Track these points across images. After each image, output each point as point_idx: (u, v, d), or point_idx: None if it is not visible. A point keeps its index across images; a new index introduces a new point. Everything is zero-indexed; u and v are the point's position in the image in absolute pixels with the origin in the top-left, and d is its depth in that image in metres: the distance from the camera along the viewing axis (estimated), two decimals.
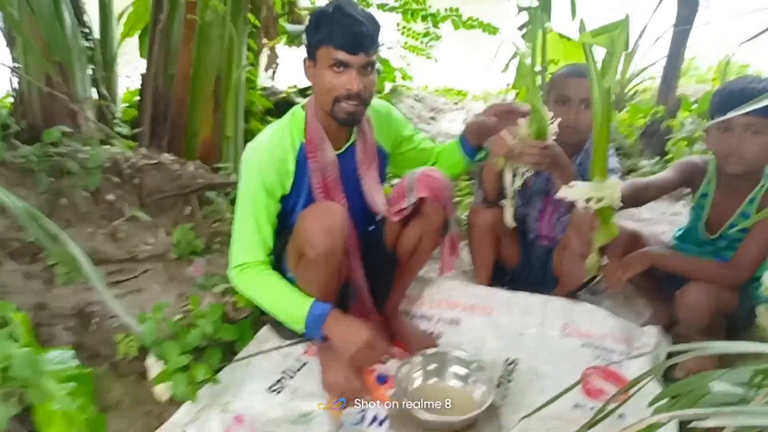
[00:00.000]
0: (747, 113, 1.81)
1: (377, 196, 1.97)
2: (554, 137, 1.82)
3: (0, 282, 2.18)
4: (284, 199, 1.92)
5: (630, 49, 4.99)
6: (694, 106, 4.38)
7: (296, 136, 1.91)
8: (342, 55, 1.74)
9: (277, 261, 1.91)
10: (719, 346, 1.05)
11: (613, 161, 2.23)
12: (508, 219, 1.91)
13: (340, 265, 1.87)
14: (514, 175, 1.92)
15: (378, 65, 1.95)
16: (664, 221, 3.12)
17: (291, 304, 1.81)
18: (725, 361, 1.94)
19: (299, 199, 1.94)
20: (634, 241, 2.19)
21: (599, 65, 1.55)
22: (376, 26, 1.79)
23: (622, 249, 2.17)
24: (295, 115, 1.93)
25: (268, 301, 1.87)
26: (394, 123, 2.12)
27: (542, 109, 1.77)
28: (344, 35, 1.72)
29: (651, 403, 1.17)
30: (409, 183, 1.90)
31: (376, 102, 2.07)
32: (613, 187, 1.62)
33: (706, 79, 6.39)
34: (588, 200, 1.63)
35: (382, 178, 2.09)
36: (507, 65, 2.59)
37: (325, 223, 1.76)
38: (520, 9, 2.88)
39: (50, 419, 1.63)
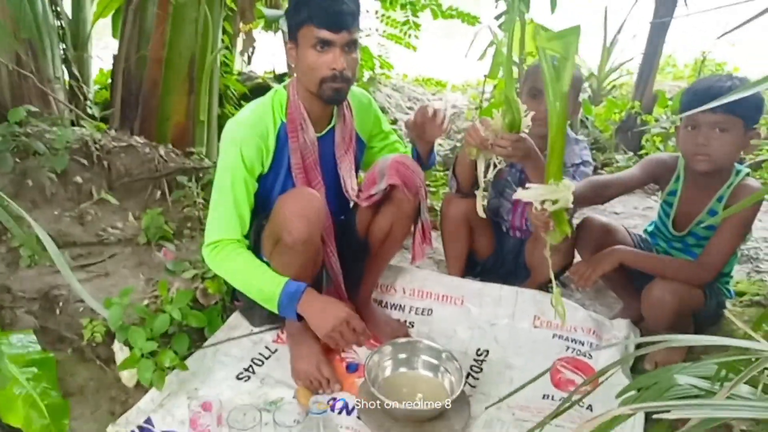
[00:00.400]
0: (714, 111, 1.83)
1: (349, 180, 1.96)
2: (527, 130, 1.81)
3: None
4: (262, 179, 1.90)
5: (608, 43, 5.02)
6: (670, 103, 4.42)
7: (278, 114, 1.89)
8: (325, 34, 1.73)
9: (253, 246, 1.88)
10: (686, 338, 1.05)
11: (586, 154, 2.24)
12: (479, 209, 1.91)
13: (318, 251, 1.86)
14: (487, 166, 1.92)
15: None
16: (636, 215, 3.15)
17: (265, 282, 1.78)
18: (693, 356, 1.97)
19: (277, 179, 1.91)
20: (605, 234, 2.21)
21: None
22: (356, 4, 1.78)
23: (593, 243, 2.18)
24: (277, 94, 1.91)
25: (241, 280, 1.84)
26: (372, 115, 2.11)
27: (516, 101, 1.77)
28: (326, 14, 1.72)
29: (618, 395, 1.18)
30: (380, 170, 1.89)
31: (358, 91, 2.06)
32: (567, 189, 1.64)
33: (683, 75, 6.47)
34: (543, 202, 1.64)
35: (357, 166, 2.07)
36: (483, 53, 2.58)
37: (303, 209, 1.73)
38: None
39: (12, 404, 1.60)
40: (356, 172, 2.04)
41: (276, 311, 1.77)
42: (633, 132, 4.08)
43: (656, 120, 3.99)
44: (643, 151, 3.80)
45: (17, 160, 2.57)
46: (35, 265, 2.22)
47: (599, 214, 2.62)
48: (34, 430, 1.58)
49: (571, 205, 1.66)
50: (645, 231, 2.33)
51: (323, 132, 1.95)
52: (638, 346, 1.97)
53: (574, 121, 4.03)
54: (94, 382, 1.84)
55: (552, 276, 1.73)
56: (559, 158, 1.64)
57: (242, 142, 1.82)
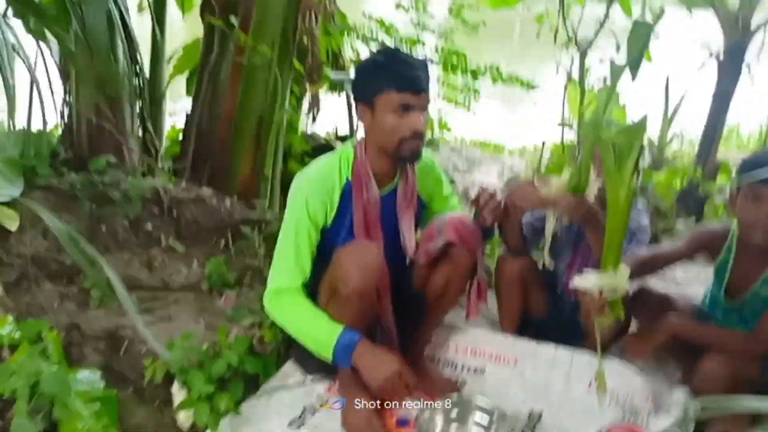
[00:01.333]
0: None
1: (409, 236, 2.01)
2: (593, 197, 1.83)
3: (36, 301, 2.24)
4: (325, 232, 1.96)
5: (670, 112, 5.01)
6: (734, 173, 4.35)
7: (344, 172, 1.96)
8: (407, 98, 1.82)
9: (312, 297, 1.93)
10: (749, 401, 1.03)
11: (644, 220, 2.22)
12: (546, 259, 1.93)
13: (373, 304, 1.89)
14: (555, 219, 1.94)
15: None
16: (697, 283, 3.07)
17: (321, 331, 1.82)
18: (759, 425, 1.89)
19: (339, 233, 1.98)
20: (662, 304, 2.17)
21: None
22: (427, 68, 1.89)
23: (648, 313, 2.14)
24: (344, 152, 1.99)
25: (298, 327, 1.89)
26: (435, 176, 2.15)
27: (588, 167, 1.79)
28: (407, 79, 1.82)
29: None
30: (438, 227, 1.93)
31: (426, 160, 2.10)
32: (624, 277, 1.63)
33: (747, 146, 6.36)
34: (600, 291, 1.64)
35: (417, 224, 2.12)
36: (563, 121, 2.62)
37: (361, 261, 1.78)
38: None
39: None
40: (415, 229, 2.08)
41: (330, 360, 1.80)
42: (694, 199, 4.02)
43: (720, 189, 3.92)
44: (705, 219, 3.74)
45: (94, 206, 2.72)
46: (104, 306, 2.32)
47: (657, 280, 2.57)
48: None
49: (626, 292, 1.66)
50: (702, 302, 2.28)
51: (386, 190, 2.01)
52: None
53: None
54: (152, 423, 1.90)
55: (599, 356, 1.72)
56: (619, 246, 1.64)
57: (308, 195, 1.90)
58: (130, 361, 2.06)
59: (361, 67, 1.95)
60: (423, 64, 1.87)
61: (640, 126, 1.55)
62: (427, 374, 2.14)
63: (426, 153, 2.14)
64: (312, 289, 1.94)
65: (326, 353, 1.80)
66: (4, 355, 1.82)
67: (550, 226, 1.94)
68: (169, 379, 1.97)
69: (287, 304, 1.87)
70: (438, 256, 1.95)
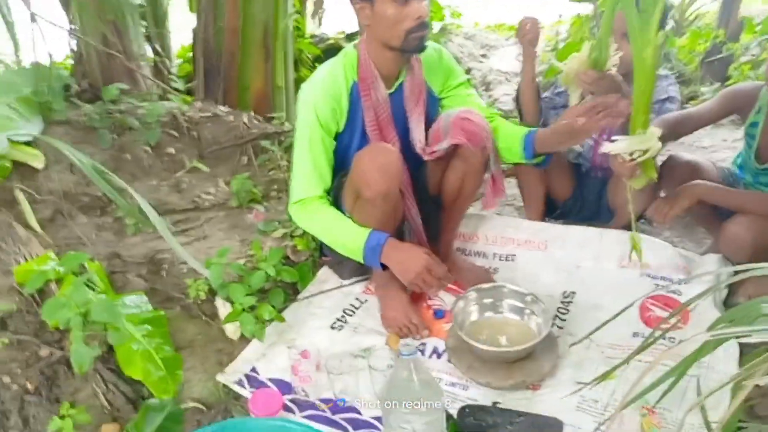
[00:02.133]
0: None
1: (417, 133, 1.98)
2: (614, 68, 1.78)
3: (74, 234, 2.31)
4: (338, 138, 1.96)
5: None
6: (758, 28, 4.17)
7: (349, 75, 1.93)
8: None
9: (335, 202, 1.96)
10: None
11: (672, 90, 2.17)
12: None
13: (397, 204, 1.91)
14: (580, 98, 1.92)
15: None
16: (725, 148, 3.03)
17: (349, 236, 1.85)
18: None
19: (353, 137, 1.97)
20: (691, 171, 2.14)
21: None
22: None
23: (678, 181, 2.13)
24: (348, 54, 1.96)
25: (326, 235, 1.93)
26: (444, 67, 2.08)
27: (606, 39, 1.74)
28: None
29: (710, 328, 1.18)
30: (444, 126, 1.89)
31: (431, 44, 2.02)
32: (655, 137, 1.61)
33: None
34: (631, 153, 1.62)
35: (430, 119, 2.07)
36: None
37: (381, 163, 1.78)
38: None
39: (131, 359, 1.76)
40: (428, 125, 2.05)
41: (362, 262, 1.85)
42: (719, 62, 3.88)
43: (745, 48, 3.77)
44: (730, 82, 3.62)
45: (114, 136, 2.74)
46: (140, 233, 2.39)
47: (686, 149, 2.55)
48: (152, 382, 1.73)
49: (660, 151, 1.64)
50: (733, 163, 2.26)
51: (394, 88, 1.98)
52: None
53: None
54: (201, 336, 1.98)
55: (633, 220, 1.72)
56: (647, 108, 1.61)
57: (316, 103, 1.89)
58: (173, 281, 2.14)
59: None
60: None
61: None
62: (458, 266, 2.19)
63: (430, 43, 2.05)
64: (335, 196, 1.96)
65: (357, 256, 1.84)
66: (52, 289, 1.90)
67: (573, 103, 1.90)
68: (212, 293, 2.04)
69: (312, 214, 1.90)
70: (450, 154, 1.93)
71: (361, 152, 1.83)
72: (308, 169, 1.90)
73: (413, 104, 1.99)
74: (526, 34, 2.12)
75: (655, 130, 1.61)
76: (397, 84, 1.98)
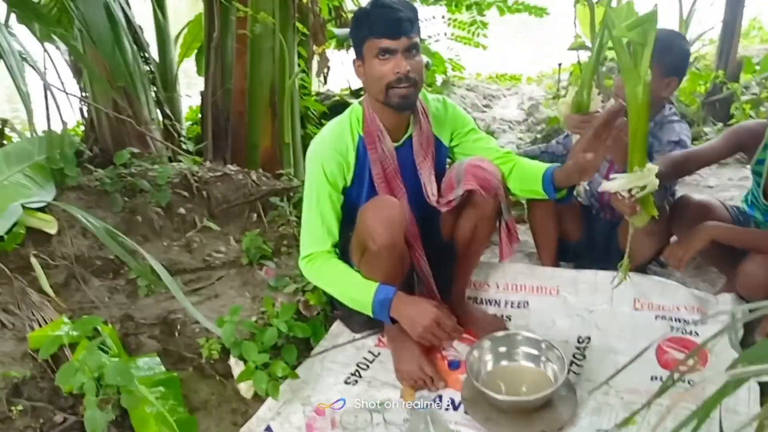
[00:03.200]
0: None
1: (430, 186, 2.01)
2: (597, 111, 1.81)
3: (87, 298, 2.32)
4: (347, 191, 1.99)
5: (685, 14, 4.85)
6: (758, 68, 4.22)
7: (355, 129, 1.97)
8: (385, 43, 1.79)
9: (343, 255, 1.97)
10: None
11: (685, 135, 2.18)
12: (579, 187, 1.93)
13: (403, 255, 1.92)
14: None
15: (427, 59, 1.99)
16: (731, 187, 3.03)
17: (357, 291, 1.87)
18: None
19: (362, 190, 2.00)
20: (702, 211, 2.15)
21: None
22: (412, 10, 1.84)
23: (689, 222, 2.13)
24: (354, 110, 2.00)
25: (335, 289, 1.95)
26: (451, 116, 2.10)
27: (589, 83, 1.77)
28: (384, 23, 1.79)
29: (728, 369, 1.17)
30: (456, 174, 1.92)
31: (432, 96, 2.10)
32: (652, 174, 1.63)
33: None
34: (630, 190, 1.64)
35: (441, 170, 2.09)
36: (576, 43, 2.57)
37: (385, 216, 1.80)
38: None
39: (145, 422, 1.75)
40: (439, 176, 2.07)
41: (371, 316, 1.85)
42: (720, 102, 3.92)
43: (744, 87, 3.82)
44: (732, 121, 3.65)
45: (126, 198, 2.79)
46: (152, 294, 2.40)
47: (692, 189, 2.55)
48: None
49: (657, 188, 1.66)
50: (743, 201, 2.26)
51: (401, 141, 2.01)
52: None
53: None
54: (215, 396, 1.97)
55: (626, 255, 1.73)
56: (643, 145, 1.63)
57: (323, 159, 1.92)
58: (186, 342, 2.14)
59: (352, 20, 1.94)
60: (405, 5, 1.82)
61: (651, 15, 1.51)
62: (471, 314, 2.18)
63: (435, 96, 2.12)
64: (343, 249, 1.97)
65: (366, 310, 1.85)
66: (66, 354, 1.90)
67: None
68: (225, 352, 2.04)
69: (321, 269, 1.92)
70: (462, 203, 1.95)
71: (365, 206, 1.86)
72: (316, 224, 1.92)
73: (422, 158, 2.02)
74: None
75: (651, 167, 1.63)
76: (405, 137, 2.01)
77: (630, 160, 1.65)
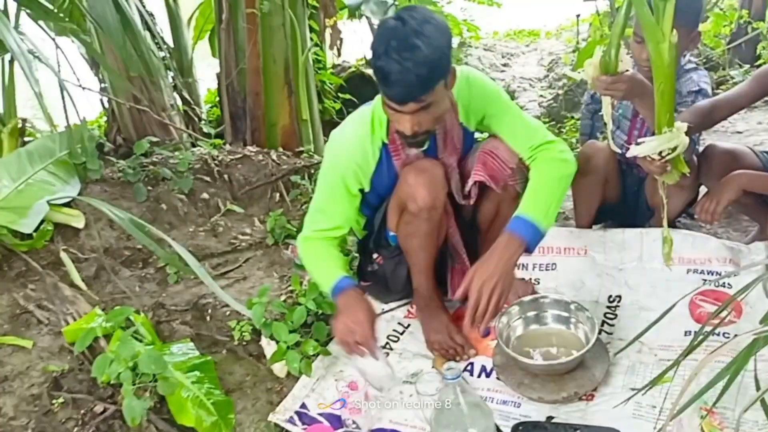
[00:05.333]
0: None
1: (454, 184, 1.95)
2: (626, 70, 1.75)
3: (118, 289, 2.36)
4: (369, 194, 1.95)
5: None
6: None
7: (378, 134, 1.86)
8: (392, 104, 1.63)
9: (380, 224, 1.98)
10: None
11: (704, 83, 2.09)
12: (611, 143, 1.90)
13: (441, 221, 1.91)
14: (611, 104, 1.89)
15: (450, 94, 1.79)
16: (761, 131, 2.94)
17: (323, 275, 1.87)
18: None
19: (390, 188, 1.93)
20: (730, 160, 2.08)
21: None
22: (428, 67, 1.54)
23: (718, 172, 2.07)
24: (377, 112, 1.84)
25: (311, 270, 1.97)
26: (477, 97, 1.89)
27: (617, 41, 1.71)
28: (392, 89, 1.58)
29: (763, 320, 1.14)
30: (472, 161, 1.89)
31: (458, 83, 1.82)
32: (681, 133, 1.58)
33: None
34: (660, 152, 1.60)
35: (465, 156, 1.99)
36: None
37: (426, 178, 1.79)
38: None
39: (182, 406, 1.78)
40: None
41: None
42: (746, 43, 3.78)
43: None
44: (760, 62, 3.53)
45: (149, 188, 2.81)
46: (182, 280, 2.43)
47: (720, 136, 2.48)
48: (205, 428, 1.74)
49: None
50: None
51: (427, 143, 1.86)
52: None
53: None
54: (250, 377, 2.00)
55: (665, 217, 1.69)
56: (670, 105, 1.58)
57: (340, 163, 1.87)
58: (217, 325, 2.17)
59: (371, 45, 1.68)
60: (420, 65, 1.52)
61: None
62: None
63: (458, 83, 1.79)
64: (380, 217, 1.99)
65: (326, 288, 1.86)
66: (102, 345, 1.94)
67: (606, 109, 1.87)
68: (257, 333, 2.06)
69: (309, 252, 1.93)
70: (483, 185, 1.90)
71: (407, 168, 1.84)
72: (316, 210, 1.93)
73: (447, 157, 1.93)
74: None
75: (681, 125, 1.58)
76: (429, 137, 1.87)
77: (658, 121, 1.61)
